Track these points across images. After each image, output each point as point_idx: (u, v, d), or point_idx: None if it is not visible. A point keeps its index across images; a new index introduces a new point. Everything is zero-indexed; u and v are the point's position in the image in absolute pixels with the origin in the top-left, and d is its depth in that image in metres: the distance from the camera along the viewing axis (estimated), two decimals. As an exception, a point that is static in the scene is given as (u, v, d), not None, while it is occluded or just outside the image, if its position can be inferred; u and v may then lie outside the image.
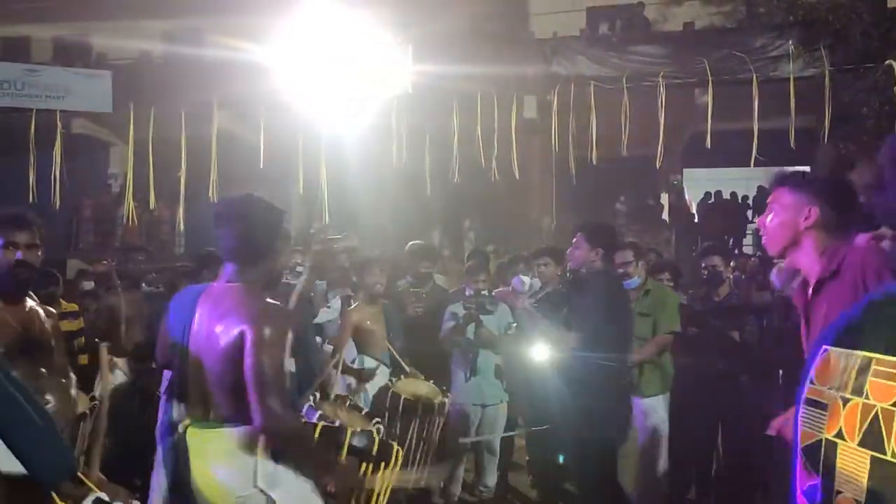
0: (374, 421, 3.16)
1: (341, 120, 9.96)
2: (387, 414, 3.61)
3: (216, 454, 2.49)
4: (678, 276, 5.78)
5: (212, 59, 13.39)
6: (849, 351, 1.59)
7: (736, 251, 15.21)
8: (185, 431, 2.58)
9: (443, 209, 13.30)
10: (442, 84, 10.69)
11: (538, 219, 13.37)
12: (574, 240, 4.33)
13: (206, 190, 10.44)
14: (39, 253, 2.90)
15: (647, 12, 14.15)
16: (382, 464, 2.74)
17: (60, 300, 5.39)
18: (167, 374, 4.08)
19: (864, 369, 1.53)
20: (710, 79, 10.34)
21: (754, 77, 9.22)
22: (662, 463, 5.04)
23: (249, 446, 2.46)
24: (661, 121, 9.47)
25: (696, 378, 5.03)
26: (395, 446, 2.82)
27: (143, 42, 14.59)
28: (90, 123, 13.78)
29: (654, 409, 4.96)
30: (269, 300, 2.52)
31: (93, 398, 3.85)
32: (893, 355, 1.47)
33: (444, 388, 4.16)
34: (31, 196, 10.78)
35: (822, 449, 1.59)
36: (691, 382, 5.03)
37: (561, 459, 3.76)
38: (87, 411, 3.85)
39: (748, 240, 16.09)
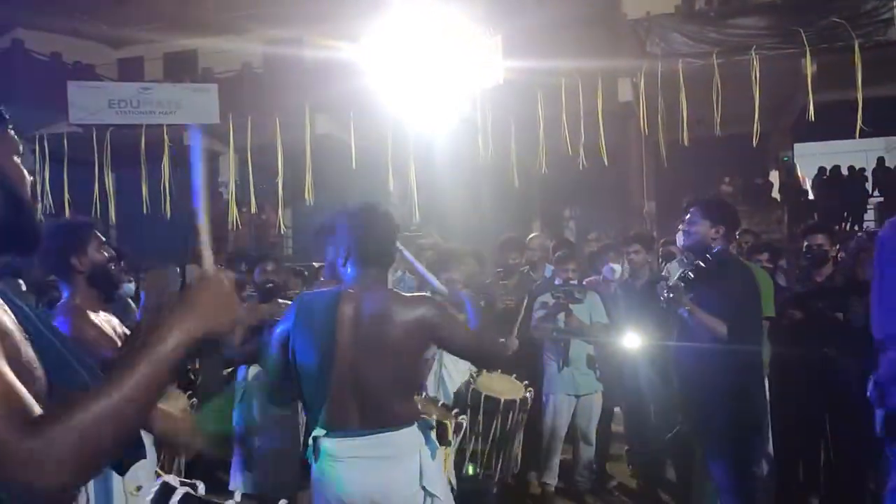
0: (454, 412, 3.21)
1: (433, 116, 10.10)
2: (469, 410, 3.63)
3: (383, 458, 2.50)
4: (778, 258, 5.53)
5: (307, 64, 13.81)
6: None
7: (856, 227, 14.41)
8: (323, 437, 2.55)
9: (542, 199, 13.22)
10: (533, 76, 10.61)
11: (638, 204, 13.06)
12: (688, 216, 3.90)
13: (302, 193, 10.78)
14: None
15: (748, -19, 13.47)
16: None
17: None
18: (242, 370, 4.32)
19: None
20: (815, 47, 9.82)
21: (857, 43, 8.65)
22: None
23: (414, 447, 2.55)
24: (756, 94, 9.06)
25: (799, 363, 4.82)
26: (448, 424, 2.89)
27: (245, 54, 15.24)
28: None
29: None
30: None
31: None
32: None
33: (527, 382, 4.13)
34: (144, 207, 11.47)
35: None
36: (795, 368, 4.82)
37: None
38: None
39: (869, 215, 15.16)
